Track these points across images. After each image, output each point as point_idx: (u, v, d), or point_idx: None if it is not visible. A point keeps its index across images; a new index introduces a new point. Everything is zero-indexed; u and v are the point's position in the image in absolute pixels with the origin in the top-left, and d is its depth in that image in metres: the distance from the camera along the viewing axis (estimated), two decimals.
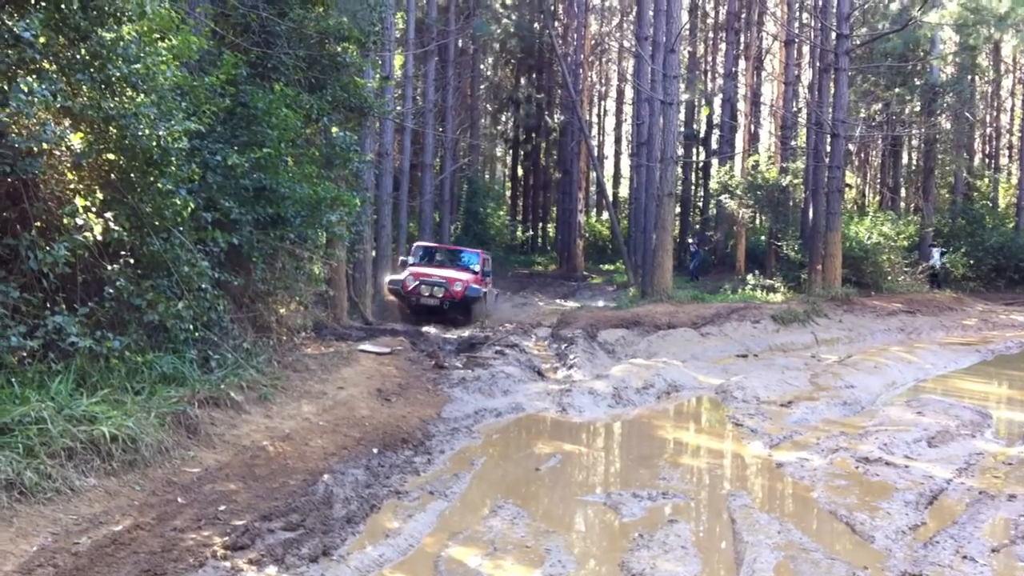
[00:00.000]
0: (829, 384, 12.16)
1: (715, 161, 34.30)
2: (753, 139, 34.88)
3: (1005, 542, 6.08)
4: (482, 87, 38.22)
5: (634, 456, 8.71)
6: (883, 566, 5.53)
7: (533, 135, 41.45)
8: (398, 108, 21.22)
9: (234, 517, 5.55)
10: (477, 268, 19.53)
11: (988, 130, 41.90)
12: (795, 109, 30.83)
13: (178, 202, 7.82)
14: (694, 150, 39.35)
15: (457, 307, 18.07)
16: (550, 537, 5.84)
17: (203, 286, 8.30)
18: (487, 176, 42.86)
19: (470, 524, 6.06)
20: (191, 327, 8.17)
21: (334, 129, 12.78)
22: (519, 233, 42.40)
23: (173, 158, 7.74)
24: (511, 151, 45.34)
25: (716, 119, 36.10)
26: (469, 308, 18.30)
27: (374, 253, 19.61)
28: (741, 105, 35.19)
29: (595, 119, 47.85)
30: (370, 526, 5.81)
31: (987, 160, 41.78)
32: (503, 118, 42.91)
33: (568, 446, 8.66)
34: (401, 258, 20.70)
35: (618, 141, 50.06)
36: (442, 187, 27.54)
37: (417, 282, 17.87)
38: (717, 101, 36.18)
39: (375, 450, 7.58)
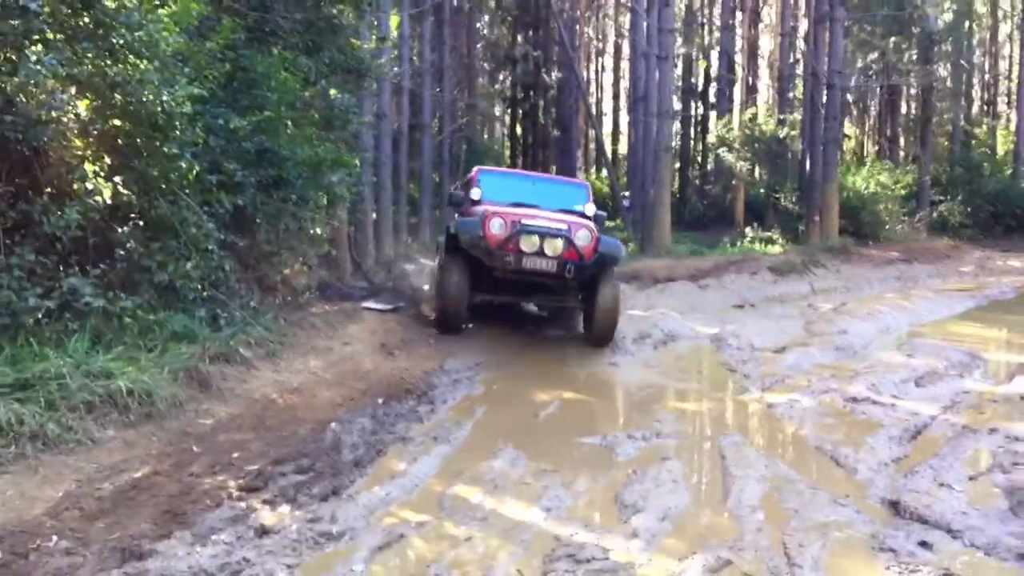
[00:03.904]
0: (823, 331, 12.45)
1: (713, 115, 34.30)
2: (751, 92, 34.89)
3: (983, 470, 6.37)
4: (479, 46, 38.15)
5: (630, 402, 9.01)
6: (864, 494, 5.82)
7: (531, 93, 41.41)
8: (395, 69, 21.26)
9: (247, 463, 5.85)
10: (589, 210, 11.75)
11: (986, 77, 41.83)
12: (792, 60, 30.85)
13: (183, 165, 8.04)
14: (692, 104, 39.37)
15: (584, 275, 10.46)
16: (548, 476, 6.13)
17: (210, 247, 8.54)
18: (486, 136, 42.86)
19: (472, 466, 6.35)
20: (199, 287, 8.43)
21: (332, 91, 12.95)
22: None
23: (177, 123, 7.95)
24: (509, 110, 45.30)
25: (714, 73, 36.07)
26: (597, 280, 10.56)
27: (375, 215, 19.75)
28: (739, 58, 35.16)
29: (593, 75, 47.77)
30: (377, 469, 6.10)
31: (985, 107, 41.76)
32: (500, 76, 42.86)
33: (566, 394, 8.93)
34: (452, 190, 14.31)
35: (616, 97, 49.95)
36: (441, 148, 27.64)
37: (512, 229, 10.15)
38: (715, 54, 36.14)
39: (380, 401, 7.87)
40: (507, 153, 45.80)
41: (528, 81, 39.72)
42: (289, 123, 10.65)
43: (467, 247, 10.38)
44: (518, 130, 45.23)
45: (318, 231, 12.04)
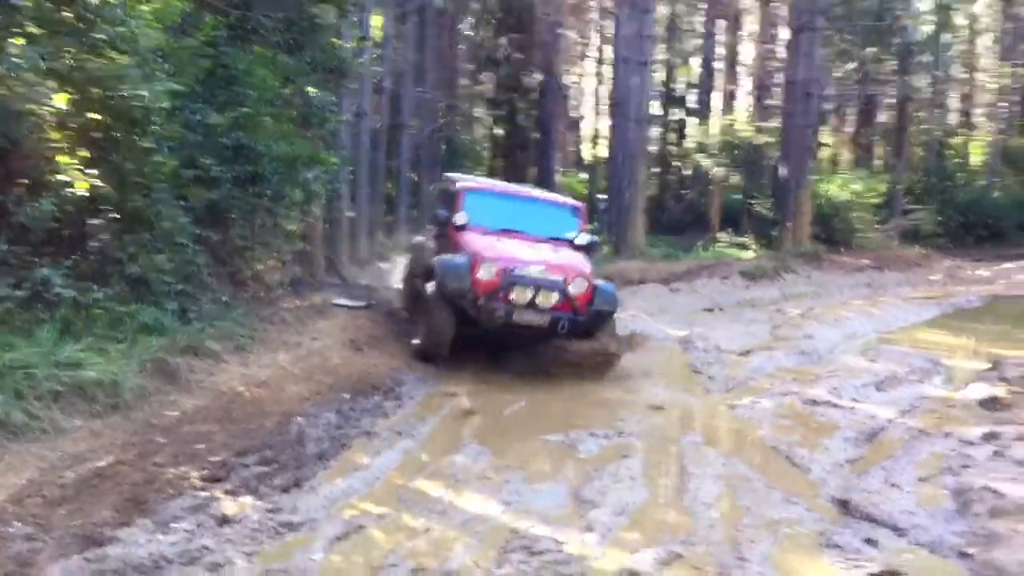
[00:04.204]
0: (789, 335, 12.62)
1: (692, 120, 34.52)
2: (730, 98, 35.12)
3: (934, 472, 6.54)
4: (462, 47, 38.20)
5: (594, 401, 9.11)
6: (816, 493, 6.01)
7: (513, 95, 41.49)
8: (376, 69, 21.27)
9: (211, 454, 5.92)
10: (581, 239, 10.63)
11: (967, 89, 42.16)
12: (771, 69, 31.10)
13: (160, 160, 8.14)
14: (672, 110, 39.52)
15: (577, 329, 9.57)
16: (509, 471, 6.26)
17: (183, 241, 8.62)
18: (466, 137, 42.92)
19: (435, 460, 6.47)
20: (171, 280, 8.49)
21: (311, 89, 13.00)
22: None
23: (155, 117, 8.03)
24: (491, 111, 45.37)
25: (695, 79, 36.30)
26: (594, 330, 9.71)
27: (351, 213, 19.77)
28: (719, 65, 35.36)
29: (575, 79, 47.88)
30: (340, 462, 6.21)
31: (963, 119, 42.10)
32: (482, 78, 42.92)
33: (532, 393, 9.04)
34: (434, 200, 12.13)
35: (598, 101, 50.13)
36: (420, 147, 27.66)
37: (504, 279, 9.26)
38: (696, 61, 36.37)
39: (347, 396, 7.95)
40: (488, 154, 45.82)
41: (510, 83, 39.79)
42: (268, 119, 10.71)
43: (451, 296, 9.34)
44: (499, 131, 45.24)
45: (292, 227, 12.10)
